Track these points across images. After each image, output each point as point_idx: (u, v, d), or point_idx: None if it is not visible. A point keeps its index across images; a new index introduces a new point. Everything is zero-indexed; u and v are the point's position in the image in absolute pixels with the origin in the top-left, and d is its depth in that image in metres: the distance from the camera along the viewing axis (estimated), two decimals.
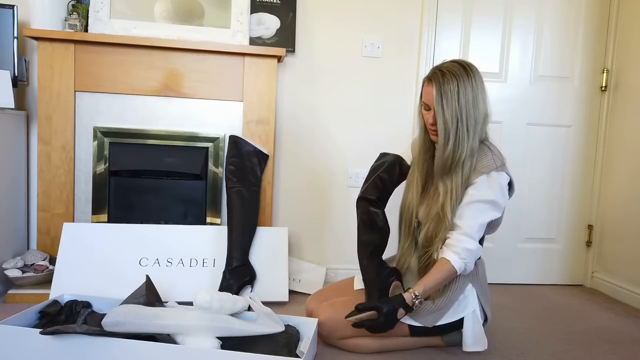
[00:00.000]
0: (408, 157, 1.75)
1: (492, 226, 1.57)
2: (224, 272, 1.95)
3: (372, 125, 2.43)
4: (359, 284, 1.77)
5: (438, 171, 1.52)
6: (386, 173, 1.69)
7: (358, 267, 1.75)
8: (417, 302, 1.42)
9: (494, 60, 2.48)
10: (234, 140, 2.12)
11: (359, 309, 1.43)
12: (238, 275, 1.95)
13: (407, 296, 1.42)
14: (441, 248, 1.48)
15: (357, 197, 1.70)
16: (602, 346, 1.76)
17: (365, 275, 1.62)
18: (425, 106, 1.52)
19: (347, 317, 1.44)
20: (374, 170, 1.73)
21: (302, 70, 2.37)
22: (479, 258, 1.64)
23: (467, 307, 1.56)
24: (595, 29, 2.52)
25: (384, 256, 1.75)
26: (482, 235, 1.51)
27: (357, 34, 2.38)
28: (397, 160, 1.72)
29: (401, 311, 1.41)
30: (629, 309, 2.23)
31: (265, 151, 2.18)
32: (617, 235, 2.43)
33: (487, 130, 1.57)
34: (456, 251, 1.44)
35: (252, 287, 2.00)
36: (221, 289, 1.91)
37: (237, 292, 1.92)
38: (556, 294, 2.44)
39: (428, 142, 1.60)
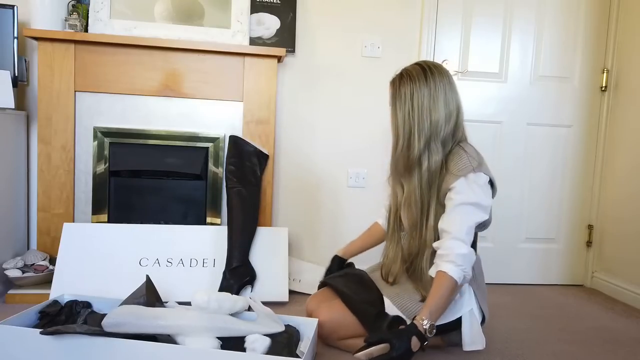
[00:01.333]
0: None
1: (481, 226, 1.56)
2: (224, 272, 1.95)
3: (372, 125, 2.43)
4: None
5: (392, 172, 1.55)
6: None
7: (357, 267, 1.76)
8: (427, 326, 1.30)
9: (494, 60, 2.48)
10: (234, 140, 2.12)
11: (369, 342, 1.30)
12: (238, 275, 1.95)
13: (417, 324, 1.30)
14: (433, 261, 1.44)
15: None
16: (602, 346, 1.76)
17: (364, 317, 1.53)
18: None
19: (356, 352, 1.31)
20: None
21: (302, 70, 2.37)
22: (475, 257, 1.63)
23: (463, 306, 1.55)
24: (595, 29, 2.52)
25: (371, 263, 1.81)
26: (473, 239, 1.47)
27: (357, 34, 2.39)
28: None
29: (415, 341, 1.27)
30: (629, 309, 2.23)
31: (265, 151, 2.18)
32: (617, 235, 2.43)
33: (463, 129, 1.55)
34: (450, 260, 1.37)
35: (252, 287, 2.00)
36: (221, 289, 1.91)
37: (237, 292, 1.92)
38: (556, 294, 2.44)
39: None
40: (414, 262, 1.55)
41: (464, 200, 1.43)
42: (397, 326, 1.42)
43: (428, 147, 1.47)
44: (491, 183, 1.51)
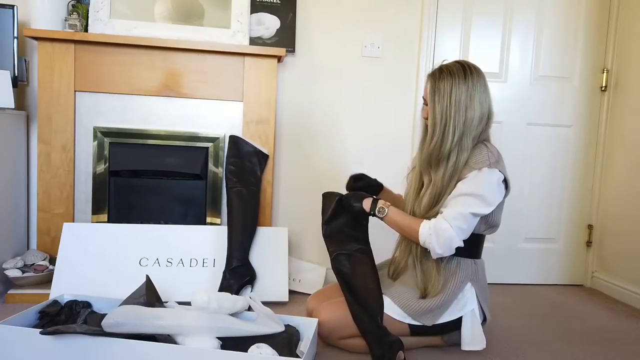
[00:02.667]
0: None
1: (489, 224, 1.56)
2: (224, 272, 1.95)
3: (372, 125, 2.43)
4: None
5: (422, 164, 1.57)
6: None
7: None
8: (375, 207, 1.54)
9: (494, 60, 2.48)
10: (234, 140, 2.12)
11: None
12: (238, 275, 1.95)
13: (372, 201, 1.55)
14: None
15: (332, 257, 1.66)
16: (602, 346, 1.76)
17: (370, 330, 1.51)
18: (424, 101, 1.60)
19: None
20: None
21: (302, 70, 2.37)
22: (479, 258, 1.64)
23: (465, 305, 1.56)
24: (595, 29, 2.52)
25: (383, 258, 1.78)
26: (468, 228, 1.47)
27: (357, 34, 2.38)
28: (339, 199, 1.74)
29: (365, 203, 1.56)
30: (629, 309, 2.23)
31: (265, 151, 2.18)
32: (617, 235, 2.43)
33: (489, 132, 1.59)
34: (429, 224, 1.47)
35: (252, 287, 2.00)
36: (221, 289, 1.91)
37: (237, 292, 1.92)
38: (556, 294, 2.44)
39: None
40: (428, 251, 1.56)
41: (468, 191, 1.47)
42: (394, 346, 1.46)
43: (459, 143, 1.50)
44: (505, 183, 1.53)
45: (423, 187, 1.61)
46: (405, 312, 1.53)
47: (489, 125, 1.57)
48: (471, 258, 1.59)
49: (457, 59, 2.44)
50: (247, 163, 2.12)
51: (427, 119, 1.58)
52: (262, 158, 2.18)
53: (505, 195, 1.55)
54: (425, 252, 1.55)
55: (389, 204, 1.56)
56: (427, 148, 1.55)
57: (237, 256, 1.97)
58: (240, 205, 2.05)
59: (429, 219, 1.51)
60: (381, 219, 1.55)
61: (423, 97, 1.61)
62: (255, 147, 2.14)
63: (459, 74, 1.50)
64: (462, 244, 1.47)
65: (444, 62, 1.57)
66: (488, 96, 1.55)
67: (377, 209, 1.54)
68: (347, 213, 1.62)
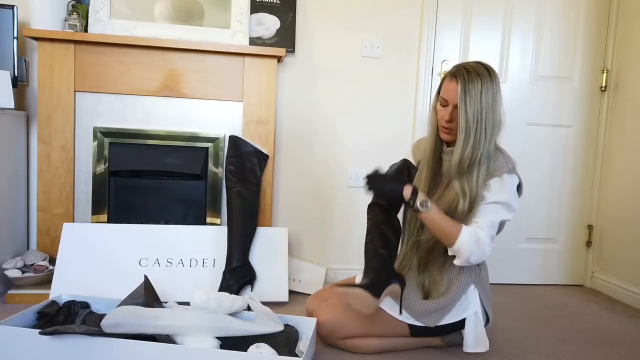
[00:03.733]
0: (410, 157, 1.78)
1: (501, 227, 1.57)
2: (224, 272, 1.95)
3: (372, 125, 2.43)
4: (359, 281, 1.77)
5: (455, 170, 1.49)
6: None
7: (358, 267, 1.74)
8: (417, 200, 1.43)
9: (494, 61, 2.48)
10: (234, 140, 2.12)
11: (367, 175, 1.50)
12: (238, 275, 1.95)
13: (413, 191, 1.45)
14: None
15: (368, 205, 1.67)
16: (602, 346, 1.76)
17: (371, 262, 1.52)
18: (442, 102, 1.51)
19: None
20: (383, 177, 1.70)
21: (302, 70, 2.37)
22: (483, 261, 1.64)
23: (469, 307, 1.56)
24: (595, 29, 2.52)
25: None
26: (493, 235, 1.50)
27: (357, 34, 2.38)
28: (405, 164, 1.71)
29: (406, 191, 1.46)
30: (628, 309, 2.22)
31: (265, 151, 2.18)
32: (617, 235, 2.43)
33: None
34: (470, 230, 1.43)
35: (252, 287, 2.00)
36: (221, 289, 1.91)
37: (237, 292, 1.92)
38: (556, 294, 2.43)
39: (437, 142, 1.59)
40: (438, 251, 1.56)
41: (496, 199, 1.46)
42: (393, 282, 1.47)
43: (490, 147, 1.48)
44: (519, 186, 1.54)
45: (434, 188, 1.59)
46: (408, 313, 1.53)
47: (501, 129, 1.55)
48: None
49: (457, 59, 2.46)
50: (247, 163, 2.12)
51: (448, 122, 1.50)
52: (262, 158, 2.18)
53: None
54: (432, 254, 1.55)
55: (422, 194, 1.47)
56: (460, 155, 1.46)
57: (237, 256, 1.97)
58: (240, 205, 2.05)
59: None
60: (420, 212, 1.45)
61: (443, 98, 1.50)
62: (255, 147, 2.14)
63: (485, 75, 1.45)
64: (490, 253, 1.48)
65: (467, 62, 1.51)
66: (502, 98, 1.52)
67: (419, 201, 1.43)
68: (379, 194, 1.54)
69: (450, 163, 1.54)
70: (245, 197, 2.07)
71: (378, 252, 1.52)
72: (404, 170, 1.69)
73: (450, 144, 1.58)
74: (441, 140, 1.59)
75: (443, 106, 1.52)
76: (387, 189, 1.50)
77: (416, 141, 1.86)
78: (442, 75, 2.30)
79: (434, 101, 1.58)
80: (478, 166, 1.47)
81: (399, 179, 1.54)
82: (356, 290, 1.39)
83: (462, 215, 1.48)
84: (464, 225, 1.45)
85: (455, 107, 1.47)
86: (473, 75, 1.44)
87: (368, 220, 1.62)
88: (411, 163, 1.74)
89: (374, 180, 1.51)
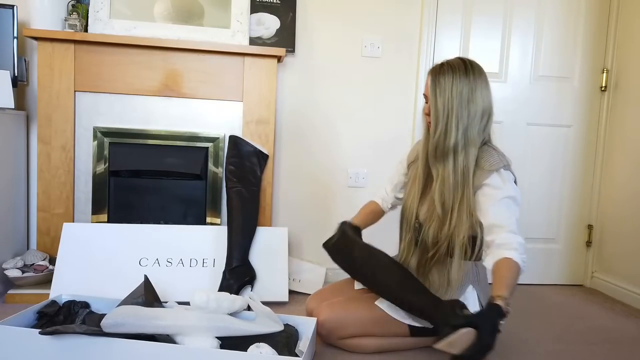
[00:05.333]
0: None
1: None
2: (224, 272, 1.95)
3: (372, 125, 2.43)
4: (359, 284, 1.77)
5: (430, 158, 1.56)
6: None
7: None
8: (507, 304, 1.25)
9: (494, 60, 2.48)
10: (234, 140, 2.12)
11: (451, 325, 1.20)
12: (238, 275, 1.95)
13: (499, 303, 1.24)
14: (487, 252, 1.45)
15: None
16: (602, 346, 1.76)
17: (422, 309, 1.41)
18: (425, 98, 1.59)
19: (435, 343, 1.21)
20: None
21: (302, 70, 2.37)
22: (480, 261, 1.64)
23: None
24: (595, 29, 2.52)
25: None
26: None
27: (357, 34, 2.38)
28: (343, 230, 1.67)
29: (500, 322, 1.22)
30: (629, 309, 2.22)
31: (265, 151, 2.18)
32: (617, 235, 2.43)
33: (490, 132, 1.58)
34: (514, 247, 1.37)
35: (252, 287, 2.00)
36: (221, 289, 1.91)
37: (237, 292, 1.92)
38: (556, 294, 2.43)
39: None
40: (439, 250, 1.54)
41: (505, 194, 1.46)
42: (462, 308, 1.34)
43: (465, 136, 1.49)
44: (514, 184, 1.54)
45: (428, 188, 1.60)
46: (406, 313, 1.52)
47: (490, 123, 1.56)
48: (472, 260, 1.59)
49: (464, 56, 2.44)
50: (247, 163, 2.12)
51: (428, 114, 1.56)
52: (262, 158, 2.18)
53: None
54: (429, 254, 1.55)
55: (503, 295, 1.27)
56: (431, 141, 1.53)
57: (237, 256, 1.97)
58: (240, 205, 2.05)
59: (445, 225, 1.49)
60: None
61: (424, 95, 1.59)
62: (255, 147, 2.14)
63: (459, 68, 1.50)
64: None
65: (449, 59, 1.56)
66: (489, 93, 1.54)
67: (505, 309, 1.25)
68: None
69: None
70: (245, 197, 2.07)
71: (424, 288, 1.46)
72: (347, 237, 1.62)
73: None
74: None
75: (426, 102, 1.59)
76: (493, 344, 1.23)
77: (418, 141, 1.86)
78: None
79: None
80: (453, 155, 1.50)
81: (486, 317, 1.24)
82: (462, 332, 1.19)
83: (451, 211, 1.49)
84: (510, 257, 1.36)
85: (427, 100, 1.56)
86: (445, 68, 1.51)
87: (373, 265, 1.51)
88: (348, 225, 1.70)
89: (479, 350, 1.20)
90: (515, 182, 1.53)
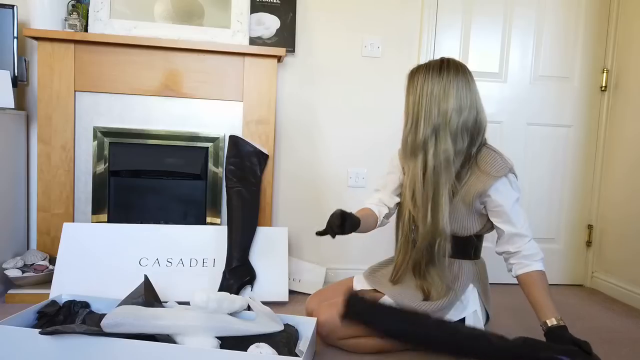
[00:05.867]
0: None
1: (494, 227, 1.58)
2: (224, 272, 1.95)
3: (372, 125, 2.43)
4: (358, 284, 1.77)
5: (401, 153, 1.61)
6: None
7: (358, 267, 1.71)
8: (558, 322, 1.48)
9: (494, 60, 2.48)
10: (234, 140, 2.12)
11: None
12: (238, 275, 1.95)
13: (563, 328, 1.45)
14: (515, 262, 1.52)
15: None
16: (602, 346, 1.76)
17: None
18: None
19: None
20: None
21: (302, 70, 2.37)
22: (480, 259, 1.64)
23: (468, 306, 1.56)
24: (595, 29, 2.52)
25: (373, 262, 1.79)
26: None
27: (357, 34, 2.38)
28: (339, 214, 1.53)
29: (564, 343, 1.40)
30: (629, 309, 2.22)
31: (265, 151, 2.17)
32: (617, 235, 2.43)
33: (484, 134, 1.58)
34: (541, 258, 1.50)
35: (251, 287, 2.00)
36: (221, 289, 1.91)
37: (237, 292, 1.92)
38: (556, 294, 2.43)
39: None
40: (431, 252, 1.54)
41: (515, 198, 1.51)
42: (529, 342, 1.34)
43: (436, 135, 1.49)
44: None
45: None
46: None
47: (479, 122, 1.53)
48: (472, 259, 1.60)
49: (456, 58, 2.45)
50: (247, 163, 2.12)
51: None
52: (262, 158, 2.18)
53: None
54: (428, 255, 1.54)
55: (557, 315, 1.49)
56: (402, 138, 1.59)
57: (237, 256, 1.97)
58: (240, 205, 2.05)
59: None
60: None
61: None
62: (255, 147, 2.14)
63: (434, 68, 1.51)
64: None
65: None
66: (471, 92, 1.51)
67: (560, 325, 1.48)
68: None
69: None
70: (246, 197, 2.07)
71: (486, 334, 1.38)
72: (344, 217, 1.51)
73: None
74: None
75: None
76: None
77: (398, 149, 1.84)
78: None
79: None
80: (423, 152, 1.51)
81: (567, 351, 1.36)
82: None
83: (430, 210, 1.50)
84: (541, 269, 1.50)
85: None
86: (421, 68, 1.54)
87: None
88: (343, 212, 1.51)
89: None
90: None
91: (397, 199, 1.72)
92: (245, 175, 2.10)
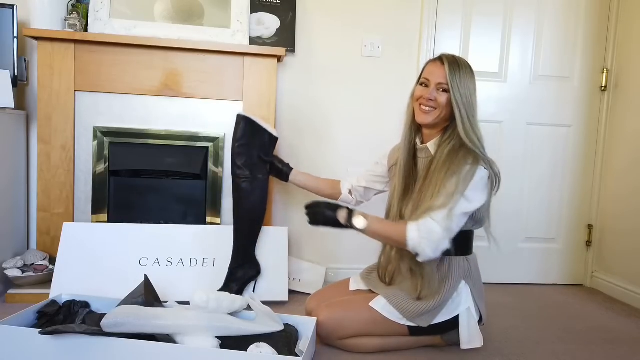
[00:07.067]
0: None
1: (474, 220, 1.55)
2: (230, 268, 1.92)
3: (372, 125, 2.43)
4: (354, 284, 1.77)
5: (443, 157, 1.51)
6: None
7: (358, 266, 1.73)
8: (352, 217, 1.47)
9: (494, 60, 2.48)
10: (244, 120, 1.86)
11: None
12: (243, 270, 1.92)
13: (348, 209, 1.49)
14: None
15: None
16: (602, 346, 1.76)
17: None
18: (424, 82, 1.57)
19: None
20: None
21: (302, 70, 2.37)
22: (471, 255, 1.63)
23: (460, 304, 1.56)
24: (595, 29, 2.52)
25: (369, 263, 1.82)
26: (456, 228, 1.46)
27: (357, 34, 2.38)
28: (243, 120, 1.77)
29: (340, 213, 1.49)
30: (628, 309, 2.22)
31: (275, 134, 1.94)
32: (617, 234, 2.43)
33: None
34: (417, 226, 1.42)
35: (255, 283, 1.98)
36: (226, 284, 1.89)
37: (242, 287, 1.90)
38: (556, 294, 2.43)
39: (412, 140, 1.65)
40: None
41: (454, 188, 1.49)
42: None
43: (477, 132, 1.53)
44: (494, 179, 1.57)
45: (411, 186, 1.60)
46: (401, 314, 1.52)
47: None
48: (463, 255, 1.59)
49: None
50: (257, 146, 1.88)
51: (429, 100, 1.54)
52: (272, 141, 1.95)
53: (495, 193, 1.55)
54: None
55: (366, 214, 1.50)
56: (461, 126, 1.50)
57: (243, 250, 1.93)
58: (247, 195, 1.89)
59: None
60: (361, 231, 1.49)
61: (425, 78, 1.56)
62: (265, 129, 1.91)
63: (468, 66, 1.55)
64: (449, 245, 1.44)
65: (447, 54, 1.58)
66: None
67: (354, 221, 1.48)
68: (319, 224, 1.57)
69: (425, 160, 1.59)
70: (253, 186, 1.89)
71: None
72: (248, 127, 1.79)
73: (425, 140, 1.63)
74: (415, 138, 1.65)
75: (425, 86, 1.57)
76: (324, 217, 1.53)
77: (395, 146, 1.85)
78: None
79: (409, 98, 1.66)
80: (464, 153, 1.50)
81: (331, 206, 1.53)
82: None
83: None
84: (408, 223, 1.44)
85: (438, 86, 1.53)
86: (458, 60, 1.53)
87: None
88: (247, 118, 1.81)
89: (313, 211, 1.58)
90: (493, 177, 1.57)
91: (369, 185, 1.85)
92: (254, 161, 1.89)
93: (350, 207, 1.53)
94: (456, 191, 1.42)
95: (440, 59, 1.54)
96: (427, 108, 1.55)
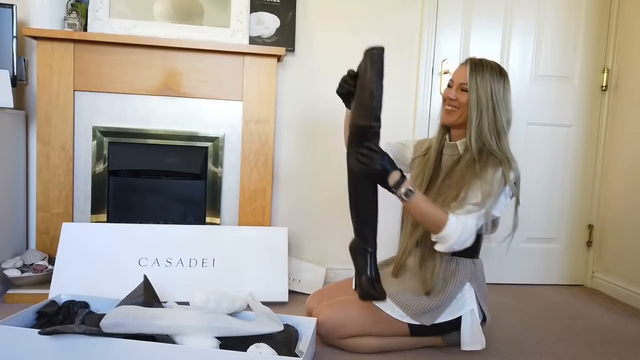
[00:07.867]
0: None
1: (495, 225, 1.58)
2: (370, 253, 1.49)
3: None
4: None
5: (469, 151, 1.52)
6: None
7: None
8: (404, 181, 1.37)
9: (494, 60, 2.47)
10: (378, 53, 1.46)
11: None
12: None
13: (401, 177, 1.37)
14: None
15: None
16: (602, 346, 1.76)
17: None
18: (449, 83, 1.61)
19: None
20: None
21: (302, 69, 2.36)
22: (478, 259, 1.64)
23: (464, 305, 1.56)
24: (596, 29, 2.52)
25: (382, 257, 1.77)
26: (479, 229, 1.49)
27: (356, 33, 2.38)
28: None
29: (394, 173, 1.36)
30: (629, 309, 2.22)
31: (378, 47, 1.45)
32: (617, 234, 2.43)
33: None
34: (457, 218, 1.42)
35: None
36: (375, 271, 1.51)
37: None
38: (556, 294, 2.43)
39: (441, 140, 1.66)
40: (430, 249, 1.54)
41: (487, 191, 1.50)
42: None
43: (500, 134, 1.54)
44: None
45: (431, 188, 1.60)
46: (404, 312, 1.52)
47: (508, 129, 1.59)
48: (470, 258, 1.59)
49: (457, 59, 2.46)
50: (374, 94, 1.43)
51: (453, 100, 1.56)
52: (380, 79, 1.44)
53: (513, 196, 1.56)
54: (429, 251, 1.54)
55: (415, 185, 1.40)
56: (473, 130, 1.51)
57: (372, 238, 1.51)
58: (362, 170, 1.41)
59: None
60: (405, 196, 1.36)
61: (451, 79, 1.60)
62: (378, 69, 1.43)
63: (495, 68, 1.56)
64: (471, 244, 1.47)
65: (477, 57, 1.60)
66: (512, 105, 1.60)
67: (404, 190, 1.36)
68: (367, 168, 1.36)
69: (451, 157, 1.60)
70: (373, 152, 1.42)
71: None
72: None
73: (453, 137, 1.64)
74: (444, 135, 1.66)
75: (449, 87, 1.60)
76: (381, 167, 1.35)
77: (420, 139, 1.86)
78: (443, 73, 2.40)
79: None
80: (487, 152, 1.50)
81: (393, 162, 1.39)
82: None
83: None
84: (449, 212, 1.43)
85: (459, 86, 1.55)
86: (484, 62, 1.56)
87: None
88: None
89: (373, 155, 1.38)
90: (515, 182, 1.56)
91: (396, 157, 1.77)
92: (369, 119, 1.45)
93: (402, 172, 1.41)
94: (491, 194, 1.45)
95: (467, 61, 1.58)
96: (450, 107, 1.59)
